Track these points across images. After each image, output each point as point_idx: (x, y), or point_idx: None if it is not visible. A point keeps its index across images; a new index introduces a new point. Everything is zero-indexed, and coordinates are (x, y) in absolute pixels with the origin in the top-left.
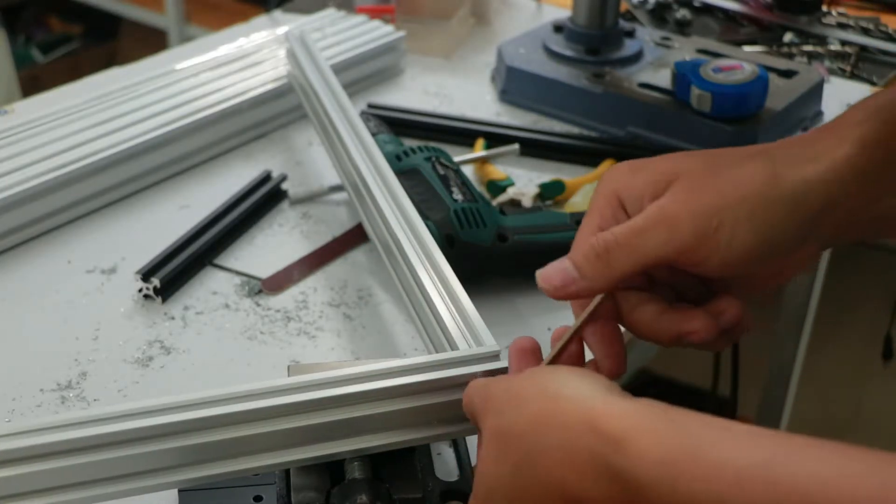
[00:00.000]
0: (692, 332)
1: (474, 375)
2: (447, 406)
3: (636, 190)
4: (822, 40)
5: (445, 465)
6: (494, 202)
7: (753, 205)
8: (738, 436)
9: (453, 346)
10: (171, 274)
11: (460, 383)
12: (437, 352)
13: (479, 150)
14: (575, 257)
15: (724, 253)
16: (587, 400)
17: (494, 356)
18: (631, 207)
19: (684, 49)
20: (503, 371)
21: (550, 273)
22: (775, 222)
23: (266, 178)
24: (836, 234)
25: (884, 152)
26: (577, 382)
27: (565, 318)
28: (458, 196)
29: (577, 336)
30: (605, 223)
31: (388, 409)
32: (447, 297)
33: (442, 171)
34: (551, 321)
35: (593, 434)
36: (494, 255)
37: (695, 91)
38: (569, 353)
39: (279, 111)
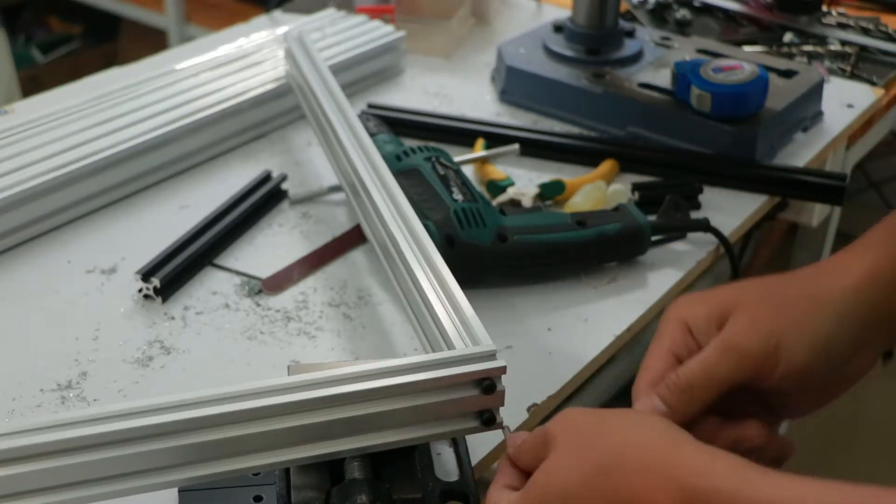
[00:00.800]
0: (748, 439)
1: (471, 374)
2: (445, 405)
3: (702, 319)
4: (822, 40)
5: (445, 465)
6: (494, 202)
7: (803, 326)
8: (804, 482)
9: (450, 346)
10: (171, 274)
11: (458, 383)
12: (434, 352)
13: (479, 150)
14: (662, 394)
15: (784, 367)
16: (675, 438)
17: (491, 355)
18: (698, 333)
19: (684, 49)
20: (501, 370)
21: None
22: (824, 337)
23: (266, 178)
24: (886, 339)
25: None
26: (667, 425)
27: (564, 318)
28: (458, 196)
29: None
30: (676, 346)
31: (386, 409)
32: (444, 298)
33: (442, 171)
34: (550, 321)
35: (677, 463)
36: (494, 255)
37: (695, 91)
38: None
39: (279, 111)
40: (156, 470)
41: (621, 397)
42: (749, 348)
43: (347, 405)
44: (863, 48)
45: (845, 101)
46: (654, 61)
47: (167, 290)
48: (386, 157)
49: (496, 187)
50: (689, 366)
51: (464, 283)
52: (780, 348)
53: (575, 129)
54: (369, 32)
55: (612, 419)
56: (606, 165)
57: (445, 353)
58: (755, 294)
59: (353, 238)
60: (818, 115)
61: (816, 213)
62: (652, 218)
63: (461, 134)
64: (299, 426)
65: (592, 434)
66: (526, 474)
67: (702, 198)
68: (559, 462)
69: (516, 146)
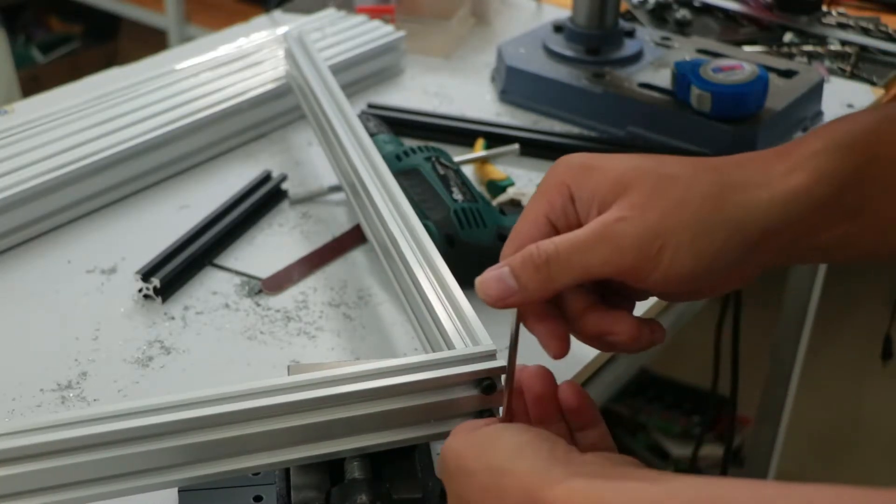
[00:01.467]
0: (616, 334)
1: (471, 374)
2: (445, 405)
3: (587, 191)
4: (822, 40)
5: None
6: (494, 202)
7: (696, 230)
8: (674, 493)
9: (450, 346)
10: (171, 274)
11: (457, 382)
12: (434, 352)
13: (479, 150)
14: (514, 265)
15: (664, 272)
16: (528, 475)
17: (491, 355)
18: (580, 206)
19: (684, 49)
20: (501, 370)
21: (489, 283)
22: (717, 246)
23: (266, 178)
24: (775, 259)
25: (836, 186)
26: (520, 455)
27: None
28: (458, 196)
29: (511, 383)
30: (554, 213)
31: (386, 409)
32: (444, 298)
33: (442, 171)
34: None
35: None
36: (494, 255)
37: (695, 91)
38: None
39: (279, 111)
40: (156, 470)
41: (621, 398)
42: (628, 244)
43: (347, 405)
44: (863, 48)
45: (845, 101)
46: (654, 61)
47: (167, 290)
48: (386, 157)
49: (496, 187)
50: (554, 241)
51: (464, 283)
52: (663, 253)
53: (575, 129)
54: (369, 32)
55: (468, 463)
56: None
57: (445, 353)
58: (653, 179)
59: (353, 238)
60: (818, 115)
61: None
62: None
63: (461, 134)
64: (299, 426)
65: (459, 481)
66: None
67: None
68: None
69: (516, 146)
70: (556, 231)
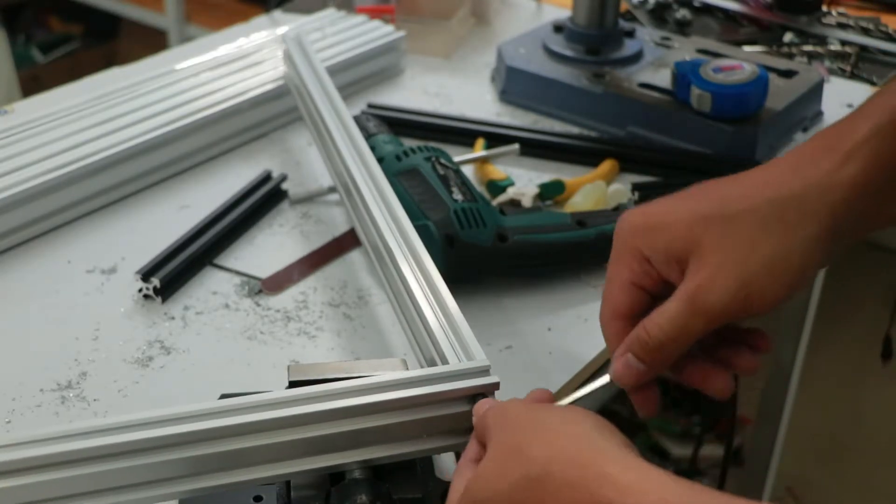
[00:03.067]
0: (744, 370)
1: (465, 390)
2: (438, 420)
3: (660, 252)
4: (822, 40)
5: (445, 464)
6: (494, 202)
7: (772, 266)
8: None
9: (443, 360)
10: (171, 274)
11: (451, 398)
12: (424, 358)
13: (479, 150)
14: (636, 352)
15: (759, 309)
16: (603, 450)
17: (485, 371)
18: (658, 265)
19: (684, 49)
20: (494, 386)
21: (622, 372)
22: (795, 268)
23: (266, 178)
24: (852, 238)
25: (891, 171)
26: (598, 432)
27: (562, 319)
28: (458, 196)
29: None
30: (636, 277)
31: (380, 424)
32: (438, 309)
33: (442, 171)
34: (549, 322)
35: (603, 480)
36: (494, 255)
37: (695, 91)
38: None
39: (279, 111)
40: (157, 482)
41: (621, 398)
42: (719, 305)
43: (342, 419)
44: (863, 48)
45: (845, 101)
46: (654, 61)
47: (167, 290)
48: (386, 157)
49: (496, 187)
50: (659, 325)
51: (464, 282)
52: (752, 297)
53: (575, 129)
54: (369, 32)
55: (545, 423)
56: (606, 165)
57: (439, 369)
58: (718, 226)
59: (353, 238)
60: (818, 115)
61: None
62: None
63: (461, 134)
64: (296, 440)
65: (523, 441)
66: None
67: None
68: (489, 470)
69: (516, 146)
70: (643, 292)
